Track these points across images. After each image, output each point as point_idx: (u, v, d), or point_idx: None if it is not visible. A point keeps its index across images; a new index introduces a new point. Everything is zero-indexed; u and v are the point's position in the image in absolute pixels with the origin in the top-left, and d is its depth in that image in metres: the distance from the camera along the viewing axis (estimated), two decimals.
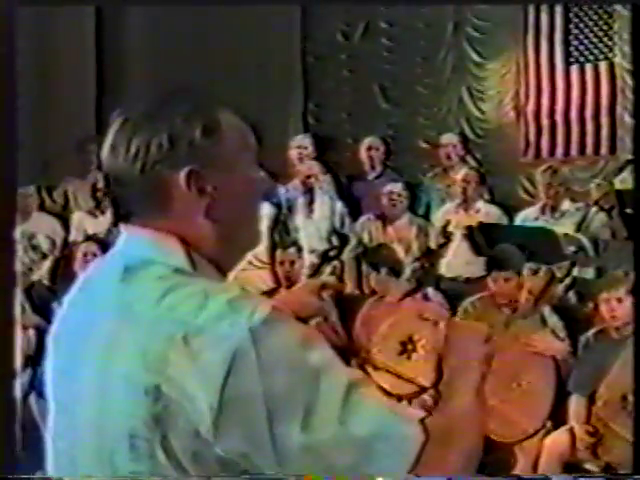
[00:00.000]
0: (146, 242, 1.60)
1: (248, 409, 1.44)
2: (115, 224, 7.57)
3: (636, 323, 5.19)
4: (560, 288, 6.12)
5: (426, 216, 7.86)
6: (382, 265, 6.22)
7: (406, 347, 5.65)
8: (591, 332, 5.61)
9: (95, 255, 7.04)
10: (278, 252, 6.97)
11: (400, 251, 6.86)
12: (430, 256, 6.96)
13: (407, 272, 6.42)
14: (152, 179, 1.58)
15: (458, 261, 6.63)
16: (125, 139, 1.59)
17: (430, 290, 6.30)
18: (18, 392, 6.67)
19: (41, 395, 6.51)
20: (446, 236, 7.13)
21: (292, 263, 6.81)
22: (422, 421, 1.49)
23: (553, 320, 5.75)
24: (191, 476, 1.49)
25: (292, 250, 6.98)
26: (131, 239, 1.63)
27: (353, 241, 7.54)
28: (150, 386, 1.47)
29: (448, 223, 7.41)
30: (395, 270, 6.20)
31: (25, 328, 6.98)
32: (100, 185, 8.35)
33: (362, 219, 7.78)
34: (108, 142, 1.62)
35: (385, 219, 7.65)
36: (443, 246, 7.00)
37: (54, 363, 1.70)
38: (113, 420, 1.53)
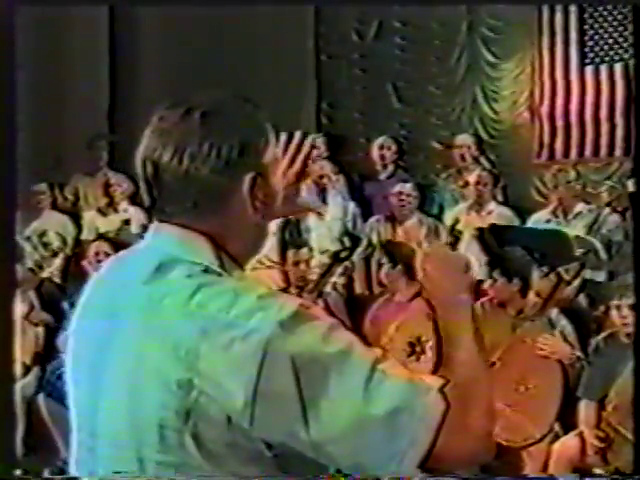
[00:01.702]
0: (176, 240, 1.64)
1: (282, 400, 1.49)
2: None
3: (636, 325, 5.15)
4: (571, 291, 6.06)
5: (439, 217, 7.82)
6: (397, 261, 6.17)
7: (414, 348, 5.61)
8: (601, 336, 5.56)
9: (107, 254, 7.03)
10: (291, 252, 6.95)
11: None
12: None
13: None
14: (216, 181, 1.62)
15: None
16: (196, 139, 1.62)
17: None
18: (29, 390, 6.68)
19: (50, 395, 6.50)
20: (454, 235, 7.08)
21: (307, 263, 6.81)
22: (441, 389, 1.52)
23: (561, 323, 5.70)
24: (218, 467, 1.53)
25: (305, 250, 6.96)
26: (161, 236, 1.67)
27: (364, 242, 7.51)
28: (182, 379, 1.51)
29: (457, 222, 7.37)
30: (408, 269, 6.14)
31: (34, 325, 6.98)
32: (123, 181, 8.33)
33: (371, 220, 7.74)
34: (170, 138, 1.63)
35: (395, 220, 7.61)
36: (452, 245, 6.94)
37: (78, 355, 1.72)
38: (143, 412, 1.56)
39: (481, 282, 6.21)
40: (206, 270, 1.60)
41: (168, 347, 1.53)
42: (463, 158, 8.21)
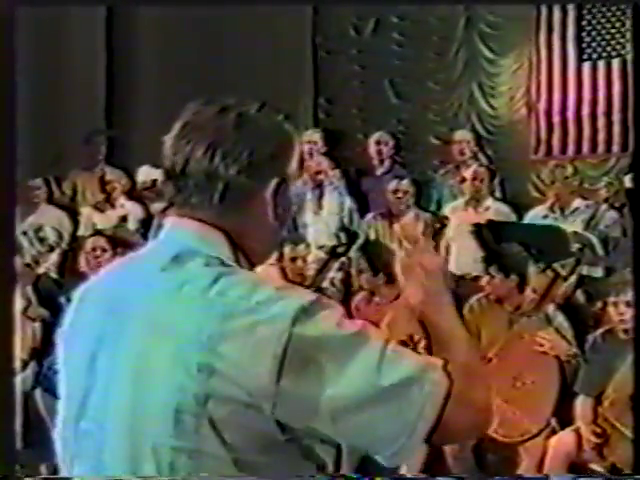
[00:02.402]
0: (194, 234, 1.67)
1: (304, 380, 1.53)
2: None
3: (636, 322, 5.15)
4: (568, 287, 6.07)
5: (437, 213, 7.81)
6: (378, 266, 6.15)
7: (407, 347, 5.59)
8: (598, 332, 5.56)
9: (104, 249, 7.02)
10: (288, 248, 6.94)
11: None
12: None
13: None
14: (242, 182, 1.65)
15: (466, 259, 6.58)
16: (230, 139, 1.65)
17: None
18: (26, 385, 6.67)
19: (47, 390, 6.49)
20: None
21: (304, 260, 6.80)
22: (444, 368, 1.60)
23: (558, 319, 5.70)
24: (232, 453, 1.55)
25: (302, 247, 6.96)
26: (178, 230, 1.70)
27: (361, 238, 7.51)
28: (203, 363, 1.53)
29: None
30: (389, 275, 6.12)
31: (31, 320, 6.98)
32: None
33: (368, 217, 7.74)
34: (204, 134, 1.66)
35: (392, 215, 7.61)
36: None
37: (82, 345, 1.74)
38: (156, 397, 1.57)
39: (478, 278, 6.22)
40: (222, 263, 1.63)
41: (188, 332, 1.55)
42: (462, 153, 8.20)
